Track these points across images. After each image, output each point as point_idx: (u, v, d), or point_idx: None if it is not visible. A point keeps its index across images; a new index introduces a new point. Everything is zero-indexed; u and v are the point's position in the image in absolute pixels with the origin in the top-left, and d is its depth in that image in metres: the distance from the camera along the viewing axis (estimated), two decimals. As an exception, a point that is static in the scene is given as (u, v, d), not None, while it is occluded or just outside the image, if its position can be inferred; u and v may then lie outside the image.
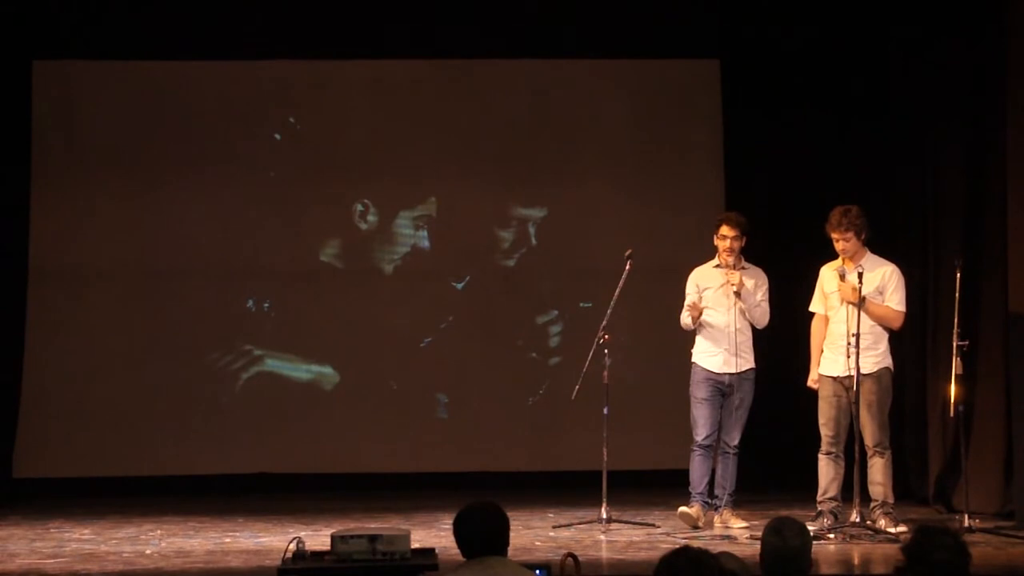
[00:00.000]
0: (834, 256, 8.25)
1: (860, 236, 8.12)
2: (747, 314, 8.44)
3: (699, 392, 8.46)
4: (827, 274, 8.29)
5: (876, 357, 8.10)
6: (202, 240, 10.67)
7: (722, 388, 8.43)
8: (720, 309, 8.45)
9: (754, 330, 8.58)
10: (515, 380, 10.83)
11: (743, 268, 8.50)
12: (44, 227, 10.58)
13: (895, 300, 8.13)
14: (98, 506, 9.58)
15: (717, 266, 8.52)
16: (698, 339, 8.53)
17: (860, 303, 7.97)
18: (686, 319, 8.49)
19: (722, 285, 8.45)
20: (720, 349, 8.43)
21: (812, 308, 8.38)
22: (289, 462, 10.55)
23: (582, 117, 10.85)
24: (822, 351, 8.27)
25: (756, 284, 8.49)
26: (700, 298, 8.46)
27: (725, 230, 8.44)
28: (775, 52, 10.47)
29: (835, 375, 8.13)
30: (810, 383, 8.32)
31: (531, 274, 10.90)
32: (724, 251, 8.45)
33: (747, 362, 8.45)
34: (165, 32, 10.46)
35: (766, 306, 8.49)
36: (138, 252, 10.64)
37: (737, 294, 8.39)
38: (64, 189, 10.60)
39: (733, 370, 8.41)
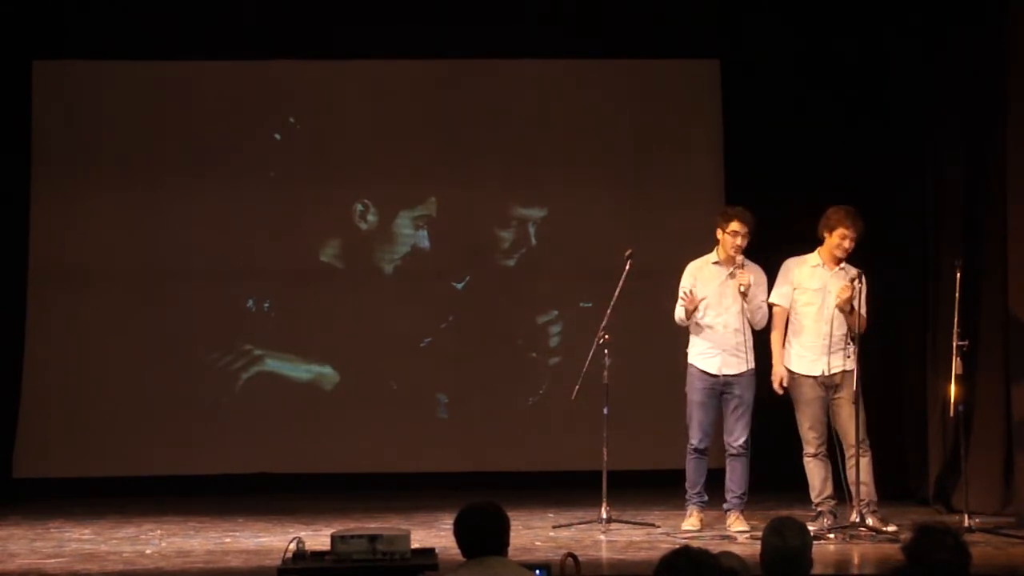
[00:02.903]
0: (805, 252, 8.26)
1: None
2: (749, 315, 8.24)
3: (694, 395, 8.31)
4: (804, 270, 8.23)
5: (855, 355, 8.09)
6: (202, 240, 10.67)
7: (719, 389, 8.27)
8: (719, 308, 8.27)
9: (752, 328, 8.56)
10: (515, 380, 10.83)
11: (743, 266, 8.27)
12: (44, 227, 10.58)
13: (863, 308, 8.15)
14: (98, 506, 9.58)
15: (716, 263, 8.32)
16: (694, 340, 8.34)
17: (849, 311, 8.01)
18: (680, 312, 8.29)
19: (722, 283, 8.25)
20: (718, 350, 8.24)
21: (776, 300, 8.26)
22: (289, 462, 10.54)
23: (582, 117, 10.84)
24: (783, 347, 8.21)
25: (757, 283, 8.30)
26: (693, 292, 8.25)
27: (737, 226, 8.16)
28: (775, 52, 10.47)
29: (816, 375, 8.11)
30: (782, 383, 8.18)
31: (531, 274, 10.90)
32: (733, 248, 8.19)
33: (746, 363, 8.23)
34: (165, 32, 10.46)
35: (766, 307, 8.30)
36: (138, 252, 10.64)
37: (744, 295, 8.19)
38: (64, 189, 10.60)
39: (732, 371, 8.23)
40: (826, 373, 8.06)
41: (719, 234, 8.31)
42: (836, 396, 8.08)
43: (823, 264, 8.17)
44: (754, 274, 8.33)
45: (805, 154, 10.26)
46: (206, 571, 7.24)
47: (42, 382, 10.50)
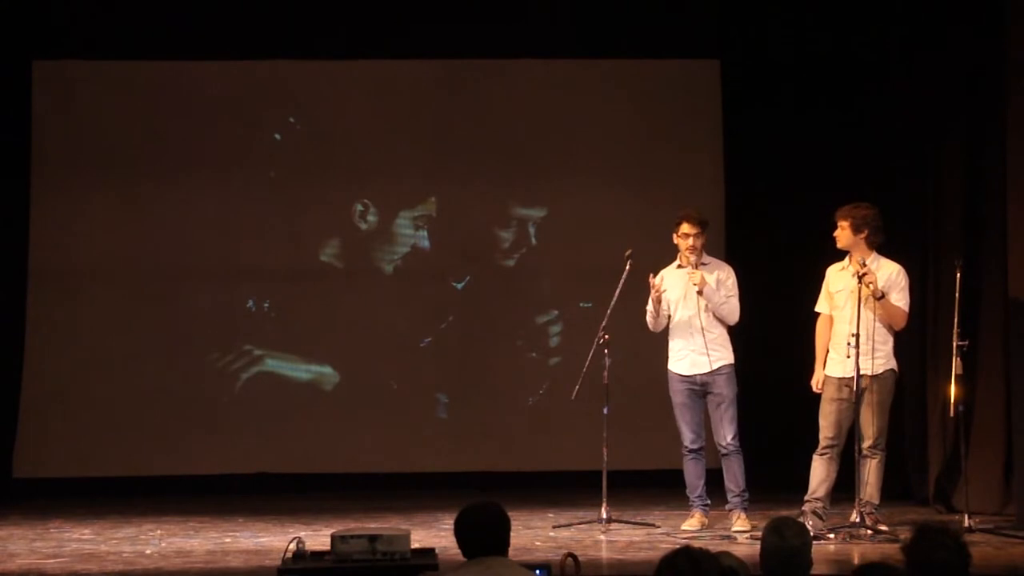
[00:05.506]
0: (836, 257, 8.25)
1: (858, 232, 8.08)
2: (715, 312, 8.27)
3: (676, 397, 8.37)
4: (833, 274, 8.27)
5: (881, 358, 8.07)
6: (202, 240, 10.67)
7: (696, 390, 8.31)
8: (685, 311, 8.32)
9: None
10: (515, 380, 10.83)
11: (705, 264, 8.35)
12: (44, 227, 10.58)
13: (901, 300, 8.11)
14: (98, 506, 9.59)
15: (680, 266, 8.38)
16: (669, 344, 8.42)
17: (865, 299, 7.96)
18: (650, 319, 8.38)
19: (685, 286, 8.29)
20: (688, 351, 8.30)
21: (817, 308, 8.34)
22: (289, 462, 10.55)
23: (582, 117, 10.84)
24: (827, 352, 8.24)
25: (720, 280, 8.33)
26: (658, 299, 8.31)
27: (686, 228, 8.27)
28: (775, 52, 10.47)
29: (839, 376, 8.10)
30: (815, 386, 8.23)
31: (531, 274, 10.90)
32: (686, 250, 8.29)
33: (719, 359, 8.27)
34: (165, 32, 10.47)
35: (734, 302, 8.32)
36: (138, 252, 10.64)
37: (700, 292, 8.24)
38: (64, 189, 10.60)
39: (703, 370, 8.27)
40: (847, 375, 7.98)
41: (674, 239, 8.38)
42: (862, 397, 8.00)
43: (848, 266, 8.17)
44: (720, 272, 8.38)
45: (805, 154, 10.26)
46: (206, 571, 7.24)
47: (42, 382, 10.50)
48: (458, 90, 10.86)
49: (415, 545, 5.94)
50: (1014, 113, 8.42)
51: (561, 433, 10.37)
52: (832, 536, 7.81)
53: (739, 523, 8.18)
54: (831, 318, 8.23)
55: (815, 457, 8.15)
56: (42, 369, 10.52)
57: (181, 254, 10.66)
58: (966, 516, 7.97)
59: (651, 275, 8.38)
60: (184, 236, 10.65)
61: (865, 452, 7.99)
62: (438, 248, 10.89)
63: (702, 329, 8.26)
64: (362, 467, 10.55)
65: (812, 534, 5.55)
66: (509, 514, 4.61)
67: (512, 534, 4.63)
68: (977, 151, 8.96)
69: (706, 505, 8.39)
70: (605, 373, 8.49)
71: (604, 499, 8.42)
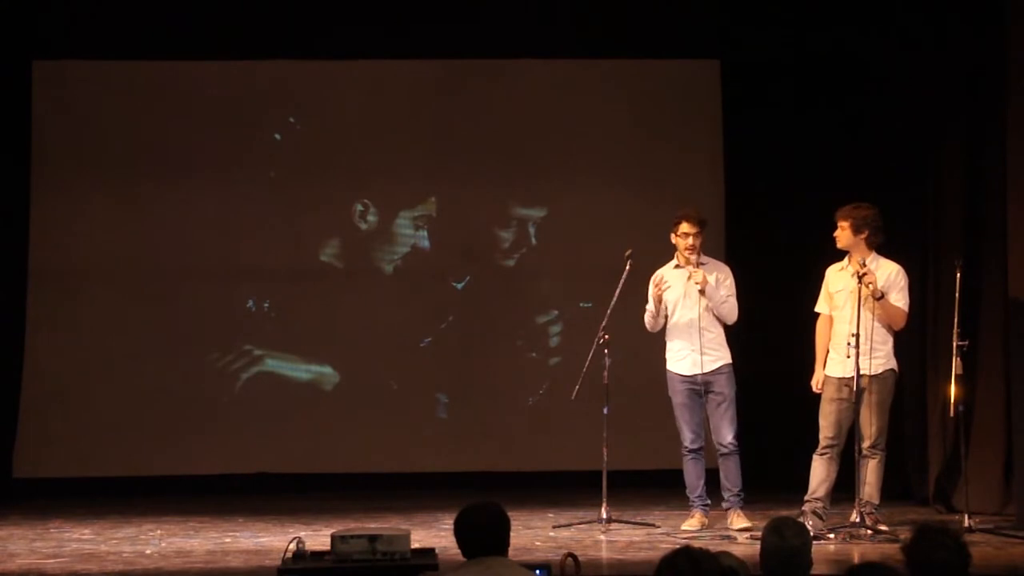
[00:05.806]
0: (836, 257, 8.25)
1: (859, 233, 8.08)
2: (714, 311, 8.29)
3: (676, 397, 8.38)
4: (833, 274, 8.26)
5: (881, 358, 8.07)
6: (202, 240, 10.67)
7: (697, 389, 8.31)
8: (685, 310, 8.33)
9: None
10: (515, 380, 10.83)
11: (703, 264, 8.36)
12: (44, 227, 10.59)
13: (900, 300, 8.11)
14: (98, 506, 9.59)
15: (677, 266, 8.38)
16: (668, 344, 8.42)
17: (871, 299, 7.95)
18: (649, 318, 8.40)
19: (685, 286, 8.29)
20: (688, 351, 8.30)
21: (817, 309, 8.34)
22: (289, 462, 10.55)
23: (582, 117, 10.84)
24: (827, 352, 8.23)
25: (719, 280, 8.34)
26: (660, 298, 8.32)
27: (686, 227, 8.27)
28: (775, 52, 10.47)
29: (839, 376, 8.10)
30: (815, 386, 8.24)
31: (531, 274, 10.90)
32: (686, 249, 8.28)
33: (718, 359, 8.30)
34: (164, 32, 10.47)
35: (733, 301, 8.35)
36: (138, 252, 10.64)
37: (702, 292, 8.24)
38: (64, 189, 10.60)
39: (702, 370, 8.27)
40: (848, 375, 7.99)
41: (673, 239, 8.38)
42: (862, 397, 7.99)
43: (847, 266, 8.16)
44: (718, 272, 8.40)
45: (805, 154, 10.26)
46: (206, 571, 7.24)
47: (42, 382, 10.51)
48: (458, 90, 10.87)
49: (415, 545, 5.94)
50: (1014, 113, 8.42)
51: (561, 433, 10.37)
52: (832, 536, 7.81)
53: (738, 520, 8.20)
54: (831, 318, 8.23)
55: (815, 457, 8.15)
56: (42, 369, 10.52)
57: (181, 254, 10.66)
58: (966, 516, 7.97)
59: (655, 275, 8.38)
60: (184, 236, 10.65)
61: (865, 452, 7.99)
62: (438, 248, 10.89)
63: (701, 329, 8.28)
64: (362, 467, 10.55)
65: (812, 534, 5.55)
66: (509, 514, 4.61)
67: (512, 534, 4.63)
68: (977, 151, 8.96)
69: (706, 505, 8.40)
70: (605, 373, 8.49)
71: (604, 499, 8.42)
